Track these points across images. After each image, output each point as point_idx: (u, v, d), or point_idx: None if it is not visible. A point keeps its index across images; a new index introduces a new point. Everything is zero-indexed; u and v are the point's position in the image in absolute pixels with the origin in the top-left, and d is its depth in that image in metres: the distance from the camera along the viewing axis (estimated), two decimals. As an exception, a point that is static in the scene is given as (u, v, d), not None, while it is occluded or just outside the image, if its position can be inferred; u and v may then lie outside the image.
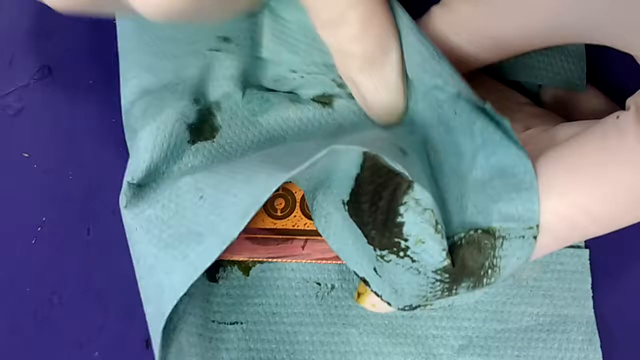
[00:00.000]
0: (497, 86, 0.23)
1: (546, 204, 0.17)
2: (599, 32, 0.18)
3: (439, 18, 0.20)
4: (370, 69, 0.19)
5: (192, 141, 0.21)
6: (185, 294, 0.22)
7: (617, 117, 0.17)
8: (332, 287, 0.24)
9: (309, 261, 0.22)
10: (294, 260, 0.23)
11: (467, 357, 0.23)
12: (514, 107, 0.23)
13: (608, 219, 0.17)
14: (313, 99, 0.22)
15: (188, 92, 0.21)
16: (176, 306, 0.21)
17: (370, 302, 0.21)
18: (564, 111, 0.23)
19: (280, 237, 0.23)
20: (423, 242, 0.18)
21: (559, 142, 0.18)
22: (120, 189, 0.20)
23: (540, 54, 0.23)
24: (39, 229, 0.23)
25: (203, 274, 0.23)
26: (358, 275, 0.20)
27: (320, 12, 0.18)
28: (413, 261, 0.18)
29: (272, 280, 0.24)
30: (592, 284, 0.23)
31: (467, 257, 0.18)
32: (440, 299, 0.19)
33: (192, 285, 0.22)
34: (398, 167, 0.17)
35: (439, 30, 0.20)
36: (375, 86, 0.19)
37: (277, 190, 0.23)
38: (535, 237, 0.17)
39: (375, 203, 0.18)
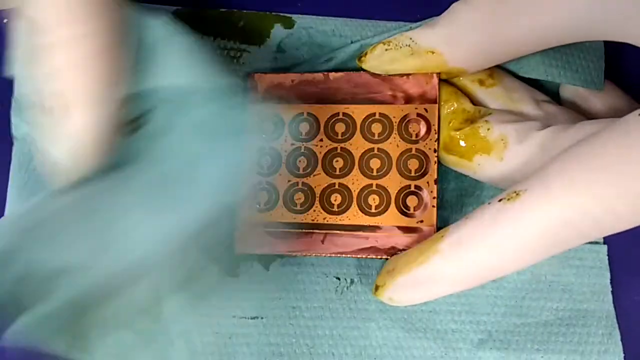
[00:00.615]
0: (516, 84, 0.23)
1: (568, 199, 0.17)
2: (616, 30, 0.18)
3: (461, 14, 0.21)
4: (50, 116, 0.18)
5: None
6: (190, 296, 0.22)
7: (639, 114, 0.17)
8: (352, 281, 0.24)
9: (328, 255, 0.23)
10: (314, 255, 0.23)
11: (486, 351, 0.23)
12: (533, 105, 0.23)
13: (631, 215, 0.17)
14: None
15: None
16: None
17: (388, 296, 0.21)
18: (583, 109, 0.23)
19: (300, 231, 0.23)
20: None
21: (580, 140, 0.18)
22: None
23: (559, 52, 0.23)
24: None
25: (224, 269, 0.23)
26: None
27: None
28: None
29: (292, 275, 0.24)
30: (611, 279, 0.23)
31: None
32: None
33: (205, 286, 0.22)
34: None
35: (461, 25, 0.20)
36: (53, 138, 0.18)
37: (297, 185, 0.23)
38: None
39: None
